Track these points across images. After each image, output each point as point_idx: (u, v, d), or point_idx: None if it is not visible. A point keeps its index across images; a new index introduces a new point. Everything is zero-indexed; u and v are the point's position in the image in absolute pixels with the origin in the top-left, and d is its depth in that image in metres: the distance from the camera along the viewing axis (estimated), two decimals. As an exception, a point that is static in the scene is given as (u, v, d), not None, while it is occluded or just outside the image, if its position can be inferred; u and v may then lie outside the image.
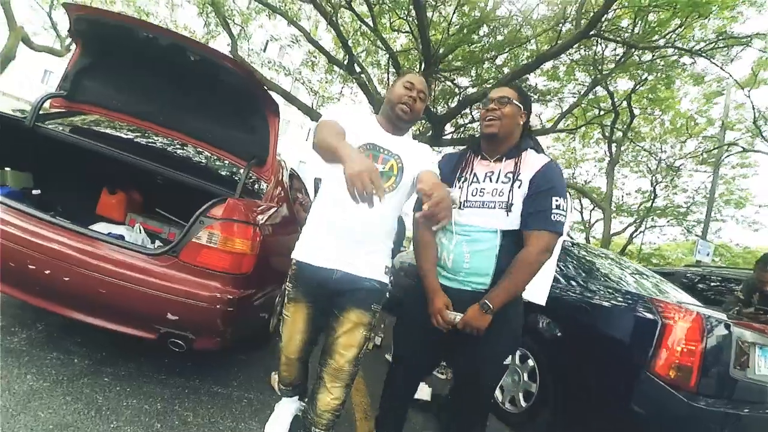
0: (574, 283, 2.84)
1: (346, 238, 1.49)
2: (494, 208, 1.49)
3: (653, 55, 7.87)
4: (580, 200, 15.46)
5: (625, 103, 9.96)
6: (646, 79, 8.95)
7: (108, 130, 2.78)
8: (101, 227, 2.36)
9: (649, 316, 2.23)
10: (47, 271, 1.74)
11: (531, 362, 2.76)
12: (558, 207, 1.42)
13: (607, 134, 11.43)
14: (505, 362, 1.63)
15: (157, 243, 2.49)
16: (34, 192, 2.56)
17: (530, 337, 2.76)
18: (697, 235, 12.49)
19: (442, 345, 1.63)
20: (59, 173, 2.68)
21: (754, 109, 8.92)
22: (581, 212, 16.20)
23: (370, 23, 7.12)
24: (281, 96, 8.29)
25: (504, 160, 1.54)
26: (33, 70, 23.07)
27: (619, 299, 2.49)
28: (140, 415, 1.75)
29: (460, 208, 1.57)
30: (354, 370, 1.54)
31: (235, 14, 9.19)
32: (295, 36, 9.44)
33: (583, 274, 2.94)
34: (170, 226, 2.75)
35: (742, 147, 11.65)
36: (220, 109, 2.38)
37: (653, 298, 2.38)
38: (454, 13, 7.18)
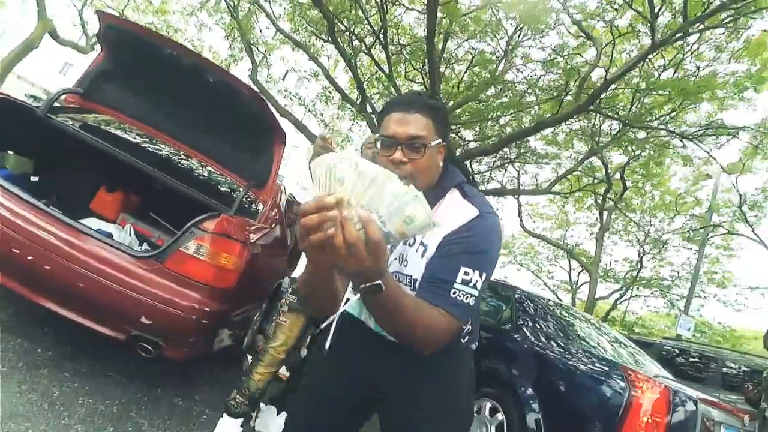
0: (552, 342, 2.87)
1: None
2: (401, 283, 1.01)
3: (647, 134, 8.28)
4: (569, 261, 15.62)
5: (618, 175, 10.33)
6: (639, 155, 9.35)
7: (117, 132, 2.89)
8: (92, 222, 2.41)
9: (620, 383, 2.28)
10: (29, 257, 1.78)
11: (500, 416, 2.69)
12: (466, 283, 0.91)
13: (599, 202, 11.75)
14: None
15: (145, 246, 2.53)
16: (32, 178, 2.62)
17: (500, 389, 2.75)
18: (679, 310, 12.53)
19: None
20: (61, 164, 2.75)
21: (740, 195, 9.29)
22: (569, 273, 16.33)
23: (386, 69, 7.49)
24: (293, 124, 8.55)
25: None
26: (54, 60, 23.55)
27: (595, 364, 2.54)
28: (94, 415, 1.73)
29: None
30: None
31: (260, 42, 9.63)
32: (314, 71, 9.86)
33: (562, 335, 2.97)
34: (161, 232, 2.79)
35: (727, 229, 11.95)
36: (229, 129, 2.50)
37: (626, 366, 2.43)
38: (466, 71, 7.60)
